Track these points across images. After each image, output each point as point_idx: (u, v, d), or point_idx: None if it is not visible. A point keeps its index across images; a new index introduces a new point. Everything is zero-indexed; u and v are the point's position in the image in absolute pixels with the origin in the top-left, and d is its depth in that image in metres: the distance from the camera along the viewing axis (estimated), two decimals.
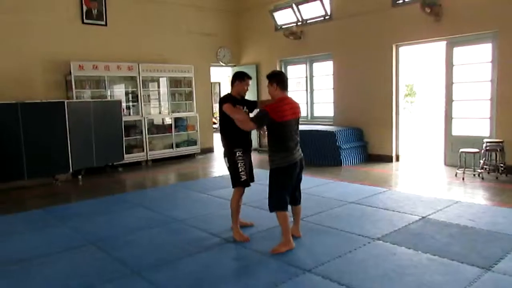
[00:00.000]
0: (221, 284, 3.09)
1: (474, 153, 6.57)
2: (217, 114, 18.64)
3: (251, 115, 4.00)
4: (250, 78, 4.16)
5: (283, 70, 10.37)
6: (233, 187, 4.10)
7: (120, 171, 8.42)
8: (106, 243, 4.05)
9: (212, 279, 3.18)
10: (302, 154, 3.85)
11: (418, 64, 18.42)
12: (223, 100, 4.00)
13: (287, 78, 3.97)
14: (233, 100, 4.03)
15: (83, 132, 7.44)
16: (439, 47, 7.87)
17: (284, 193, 3.71)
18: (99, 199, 6.04)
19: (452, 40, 7.23)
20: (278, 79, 3.84)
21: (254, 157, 4.22)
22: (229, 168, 4.08)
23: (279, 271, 3.27)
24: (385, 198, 5.39)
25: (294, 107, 3.82)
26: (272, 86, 3.84)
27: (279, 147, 3.69)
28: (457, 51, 7.27)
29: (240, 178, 3.99)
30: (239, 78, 4.12)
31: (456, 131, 7.44)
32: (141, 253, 3.75)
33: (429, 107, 21.43)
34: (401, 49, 8.02)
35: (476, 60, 7.21)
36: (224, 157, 4.14)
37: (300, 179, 3.91)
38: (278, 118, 3.62)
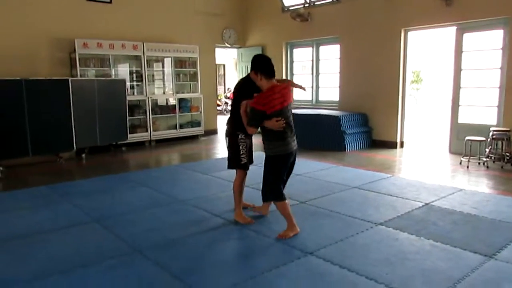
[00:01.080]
0: (222, 264, 3.10)
1: (480, 141, 6.51)
2: (221, 96, 18.60)
3: None
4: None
5: (289, 53, 10.27)
6: (228, 168, 4.08)
7: (124, 151, 8.43)
8: (109, 221, 4.07)
9: (214, 259, 3.19)
10: (296, 144, 3.68)
11: (426, 50, 18.18)
12: (240, 86, 3.86)
13: (271, 63, 3.57)
14: (251, 87, 3.67)
15: (87, 110, 7.42)
16: (448, 32, 7.73)
17: (279, 183, 3.60)
18: (103, 177, 6.06)
19: (463, 25, 7.10)
20: (262, 67, 3.50)
21: (255, 140, 4.18)
22: (229, 149, 4.05)
23: (281, 253, 3.28)
24: (388, 184, 5.37)
25: (284, 94, 3.51)
26: (256, 76, 3.52)
27: (275, 136, 3.50)
28: (467, 37, 7.14)
29: (241, 161, 3.97)
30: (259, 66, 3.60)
31: (463, 118, 7.37)
32: (143, 232, 3.77)
33: (435, 95, 21.24)
34: (409, 34, 7.88)
35: (486, 46, 7.09)
36: (226, 136, 4.10)
37: (292, 169, 3.78)
38: (268, 110, 3.38)
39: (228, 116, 4.15)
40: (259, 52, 10.54)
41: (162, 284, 2.79)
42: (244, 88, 3.83)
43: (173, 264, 3.08)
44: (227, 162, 4.11)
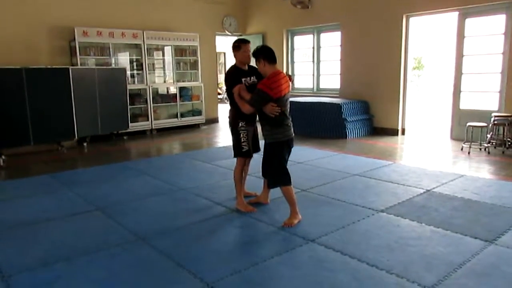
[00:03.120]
0: (225, 252, 3.13)
1: (482, 127, 6.50)
2: (222, 85, 18.58)
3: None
4: (246, 42, 3.96)
5: (290, 40, 10.20)
6: (234, 157, 4.09)
7: (125, 140, 8.44)
8: (112, 209, 4.10)
9: (216, 247, 3.22)
10: (293, 133, 3.74)
11: (427, 36, 18.05)
12: (228, 75, 3.91)
13: (273, 51, 3.66)
14: (238, 73, 3.87)
15: (88, 99, 7.41)
16: (450, 17, 7.66)
17: (285, 167, 3.66)
18: (105, 166, 6.08)
19: (465, 10, 7.03)
20: (265, 54, 3.57)
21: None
22: (232, 138, 4.06)
23: (282, 240, 3.31)
24: (389, 171, 5.38)
25: (286, 80, 3.62)
26: (260, 63, 3.59)
27: (277, 122, 3.55)
28: (469, 22, 7.08)
29: (242, 149, 3.97)
30: (236, 48, 3.93)
31: (464, 104, 7.35)
32: (146, 220, 3.80)
33: (436, 81, 21.15)
34: (411, 19, 7.82)
35: (489, 32, 7.03)
36: (230, 126, 4.11)
37: (288, 157, 3.80)
38: (275, 94, 3.44)
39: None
40: (260, 39, 10.52)
41: (165, 271, 2.82)
42: (233, 76, 3.87)
43: (176, 251, 3.11)
44: (233, 151, 4.12)
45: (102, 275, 2.78)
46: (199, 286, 2.61)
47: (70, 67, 7.18)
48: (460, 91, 7.37)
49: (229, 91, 3.89)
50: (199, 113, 9.99)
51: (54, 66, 7.24)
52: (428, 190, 4.47)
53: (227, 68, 20.72)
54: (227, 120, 4.15)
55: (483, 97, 7.32)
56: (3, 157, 6.33)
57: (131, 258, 3.04)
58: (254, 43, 11.10)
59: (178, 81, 9.66)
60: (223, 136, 8.80)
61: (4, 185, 5.27)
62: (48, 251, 3.16)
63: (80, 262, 2.97)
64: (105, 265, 2.93)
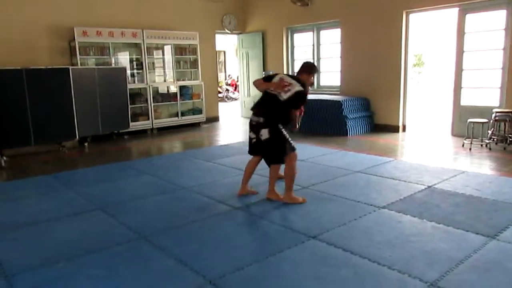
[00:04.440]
0: (227, 248, 3.13)
1: (483, 123, 6.49)
2: (222, 83, 18.53)
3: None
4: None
5: (289, 38, 10.19)
6: (272, 163, 4.15)
7: (126, 139, 8.45)
8: (113, 208, 4.10)
9: (218, 244, 3.22)
10: None
11: (428, 33, 18.02)
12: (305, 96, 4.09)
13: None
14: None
15: (89, 99, 7.42)
16: (451, 13, 7.65)
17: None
18: (106, 166, 6.08)
19: (465, 6, 7.02)
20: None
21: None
22: (271, 141, 3.99)
23: (284, 237, 3.31)
24: (391, 167, 5.38)
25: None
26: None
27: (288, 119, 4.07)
28: (470, 18, 7.06)
29: (291, 145, 4.05)
30: (313, 72, 4.24)
31: (465, 101, 7.34)
32: (148, 219, 3.80)
33: (437, 78, 21.12)
34: (411, 16, 7.80)
35: (489, 27, 7.01)
36: (260, 129, 4.01)
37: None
38: None
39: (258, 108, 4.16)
40: (260, 37, 10.53)
41: (168, 269, 2.83)
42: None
43: (177, 249, 3.12)
44: (270, 157, 4.15)
45: (104, 274, 2.78)
46: (201, 282, 2.61)
47: (70, 67, 7.18)
48: (460, 87, 7.35)
49: (294, 105, 4.05)
50: (199, 111, 9.99)
51: (54, 66, 7.25)
52: (430, 186, 4.46)
53: (227, 67, 20.56)
54: (261, 123, 4.04)
55: (484, 93, 7.31)
56: (4, 157, 6.34)
57: (133, 256, 3.04)
58: (254, 41, 11.19)
59: (178, 80, 9.66)
60: (224, 135, 8.81)
61: (5, 185, 5.28)
62: (50, 251, 3.17)
63: (82, 261, 2.97)
64: (107, 263, 2.94)
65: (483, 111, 6.88)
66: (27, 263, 2.96)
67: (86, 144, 7.71)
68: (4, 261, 2.99)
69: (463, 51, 7.20)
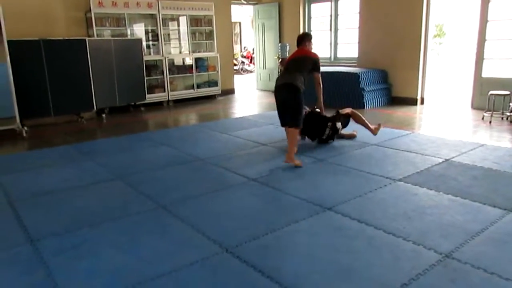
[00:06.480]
0: (243, 219, 3.19)
1: (504, 95, 6.33)
2: (237, 55, 18.35)
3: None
4: None
5: (306, 8, 9.96)
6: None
7: (143, 111, 8.52)
8: (132, 178, 4.19)
9: (234, 214, 3.28)
10: None
11: (449, 2, 17.38)
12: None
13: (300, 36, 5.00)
14: None
15: (105, 71, 7.46)
16: None
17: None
18: (123, 137, 6.18)
19: None
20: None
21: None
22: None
23: (299, 208, 3.34)
24: (408, 140, 5.33)
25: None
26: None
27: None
28: None
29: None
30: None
31: (487, 72, 7.14)
32: (166, 189, 3.87)
33: (458, 49, 20.51)
34: None
35: None
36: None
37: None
38: None
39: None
40: (276, 8, 10.33)
41: (185, 237, 2.90)
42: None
43: (195, 218, 3.19)
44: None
45: (125, 239, 2.88)
46: (218, 251, 2.68)
47: (87, 38, 7.20)
48: (483, 59, 7.14)
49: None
50: (215, 84, 9.97)
51: (71, 38, 7.28)
52: (447, 160, 4.42)
53: (242, 38, 20.38)
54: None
55: (508, 64, 7.08)
56: (25, 128, 6.48)
57: (152, 225, 3.13)
58: (271, 12, 10.99)
59: (193, 51, 9.61)
60: (239, 107, 8.80)
61: (27, 155, 5.42)
62: (73, 218, 3.28)
63: (103, 228, 3.08)
64: (128, 230, 3.03)
65: (505, 83, 6.69)
66: (51, 229, 3.08)
67: (103, 115, 7.81)
68: (29, 227, 3.11)
69: (487, 20, 6.94)
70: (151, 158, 4.97)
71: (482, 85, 7.17)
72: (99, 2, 7.79)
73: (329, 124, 5.11)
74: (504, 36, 6.95)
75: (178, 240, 2.87)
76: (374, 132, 5.29)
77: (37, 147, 5.71)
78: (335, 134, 5.19)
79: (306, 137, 5.34)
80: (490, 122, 6.24)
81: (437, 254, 2.54)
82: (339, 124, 5.17)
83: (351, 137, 5.46)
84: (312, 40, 5.00)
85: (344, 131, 5.38)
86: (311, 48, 4.96)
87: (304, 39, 4.94)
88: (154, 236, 2.94)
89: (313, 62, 4.77)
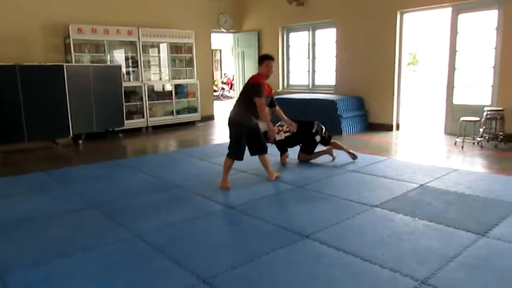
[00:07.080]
0: (221, 248, 3.15)
1: (475, 121, 6.56)
2: (217, 82, 18.51)
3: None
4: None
5: (285, 37, 10.21)
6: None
7: (121, 137, 8.44)
8: (107, 206, 4.11)
9: (212, 243, 3.24)
10: None
11: (422, 32, 18.11)
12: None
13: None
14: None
15: (83, 96, 7.40)
16: (444, 13, 7.71)
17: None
18: (100, 163, 6.08)
19: (458, 6, 7.08)
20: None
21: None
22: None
23: (277, 236, 3.32)
24: (384, 166, 5.42)
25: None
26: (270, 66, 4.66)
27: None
28: (462, 17, 7.13)
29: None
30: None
31: (458, 99, 7.41)
32: (142, 217, 3.80)
33: (431, 76, 21.23)
34: (405, 16, 7.84)
35: (481, 27, 7.08)
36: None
37: None
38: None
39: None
40: (256, 36, 10.55)
41: (161, 268, 2.84)
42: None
43: (171, 248, 3.13)
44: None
45: (97, 272, 2.80)
46: (195, 282, 2.63)
47: (65, 64, 7.17)
48: (453, 86, 7.42)
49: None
50: (194, 110, 9.99)
51: (48, 63, 7.22)
52: (422, 185, 4.51)
53: (222, 65, 20.61)
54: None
55: (476, 91, 7.38)
56: None
57: (126, 254, 3.05)
58: (250, 40, 11.19)
59: (173, 78, 9.66)
60: (219, 133, 8.82)
61: None
62: (44, 248, 3.17)
63: (75, 259, 2.98)
64: (101, 261, 2.95)
65: (475, 109, 6.94)
66: (21, 260, 2.96)
67: (80, 141, 7.69)
68: None
69: (455, 50, 7.26)
70: (128, 185, 4.89)
71: (453, 111, 7.42)
72: (78, 29, 7.81)
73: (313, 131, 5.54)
74: (472, 65, 7.26)
75: (154, 271, 2.80)
76: (352, 157, 5.70)
77: (10, 174, 5.55)
78: (314, 145, 5.60)
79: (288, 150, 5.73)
80: (462, 147, 6.43)
81: (413, 280, 2.56)
82: (318, 137, 5.51)
83: (328, 153, 5.76)
84: (266, 61, 4.58)
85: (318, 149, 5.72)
86: (265, 71, 4.59)
87: (258, 62, 4.70)
88: (129, 267, 2.87)
89: (249, 88, 4.58)
